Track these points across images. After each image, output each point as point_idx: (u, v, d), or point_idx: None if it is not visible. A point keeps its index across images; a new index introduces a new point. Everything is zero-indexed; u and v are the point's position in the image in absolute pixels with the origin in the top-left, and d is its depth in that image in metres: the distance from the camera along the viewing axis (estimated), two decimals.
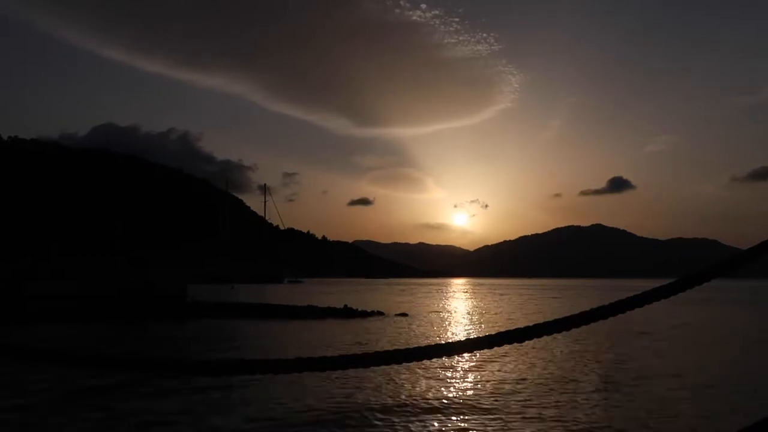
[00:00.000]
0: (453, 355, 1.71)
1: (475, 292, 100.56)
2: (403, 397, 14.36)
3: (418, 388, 15.30)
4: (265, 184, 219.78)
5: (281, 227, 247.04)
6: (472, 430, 11.65)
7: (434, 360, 1.75)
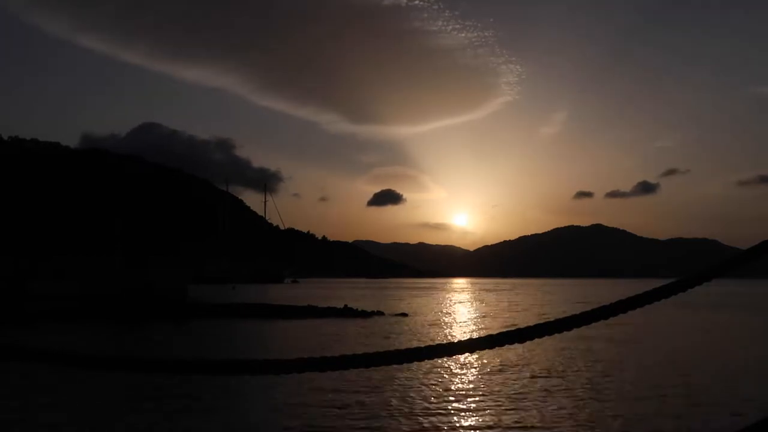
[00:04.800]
0: (453, 355, 1.70)
1: (475, 292, 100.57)
2: (404, 397, 14.36)
3: (419, 389, 15.30)
4: (265, 184, 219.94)
5: (281, 227, 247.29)
6: (474, 430, 11.65)
7: (434, 360, 1.74)
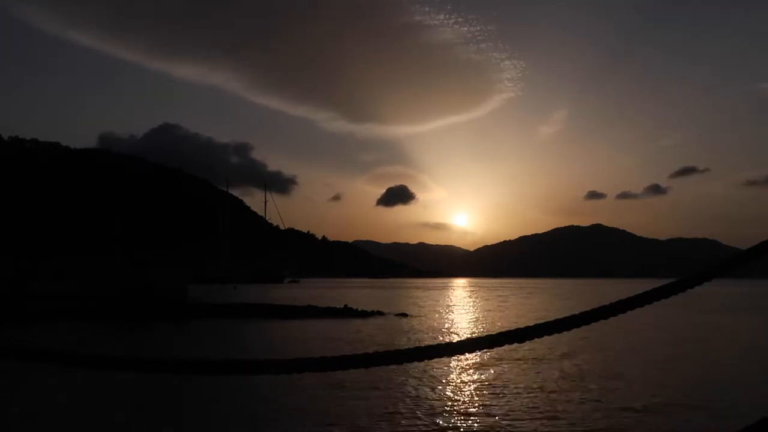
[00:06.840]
0: (453, 355, 1.70)
1: (475, 293, 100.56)
2: (404, 397, 14.36)
3: (419, 388, 15.29)
4: (265, 184, 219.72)
5: (281, 227, 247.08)
6: (473, 429, 11.65)
7: (434, 360, 1.74)
